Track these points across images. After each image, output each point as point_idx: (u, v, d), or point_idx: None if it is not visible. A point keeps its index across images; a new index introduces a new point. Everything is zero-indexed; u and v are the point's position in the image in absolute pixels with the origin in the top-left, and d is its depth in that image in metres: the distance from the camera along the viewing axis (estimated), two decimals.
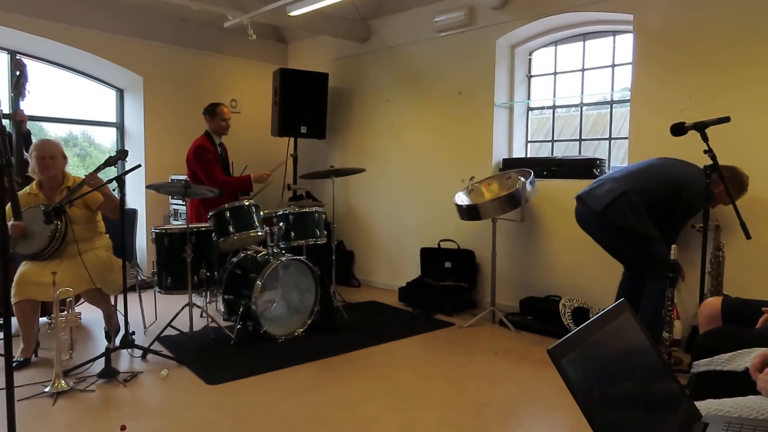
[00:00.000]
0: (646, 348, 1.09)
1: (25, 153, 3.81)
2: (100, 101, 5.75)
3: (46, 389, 2.79)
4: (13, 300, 3.10)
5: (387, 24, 5.37)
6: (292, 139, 5.70)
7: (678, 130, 2.69)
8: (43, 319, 3.66)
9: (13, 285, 3.12)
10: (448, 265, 4.80)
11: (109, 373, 2.99)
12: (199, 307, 3.78)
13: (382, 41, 5.40)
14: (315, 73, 5.61)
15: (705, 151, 2.61)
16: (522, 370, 3.23)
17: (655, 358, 1.07)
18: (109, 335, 3.53)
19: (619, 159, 4.41)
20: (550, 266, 4.34)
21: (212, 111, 4.56)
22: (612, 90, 4.30)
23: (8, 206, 2.56)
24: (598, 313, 3.84)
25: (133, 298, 3.74)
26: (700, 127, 2.62)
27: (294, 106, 5.48)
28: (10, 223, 3.00)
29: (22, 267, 3.21)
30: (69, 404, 2.68)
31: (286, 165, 5.35)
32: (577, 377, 0.85)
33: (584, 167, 4.15)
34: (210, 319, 3.76)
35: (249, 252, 3.92)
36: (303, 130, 5.56)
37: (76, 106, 5.56)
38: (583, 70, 4.46)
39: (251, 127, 6.05)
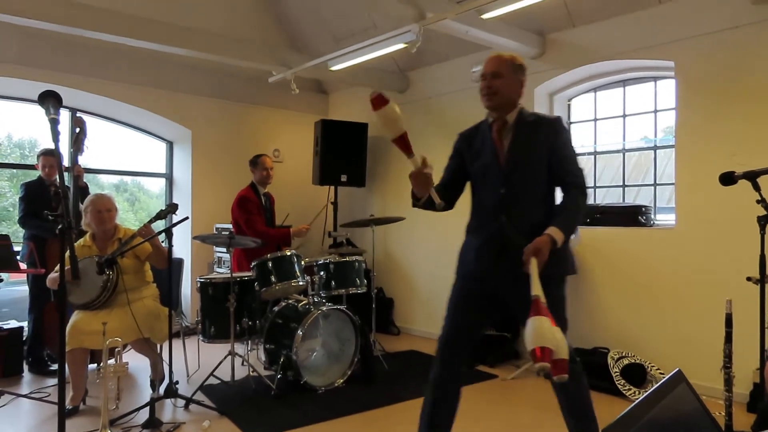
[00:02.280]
0: (705, 423, 1.03)
1: (80, 206, 4.01)
2: (150, 153, 6.04)
3: None
4: (66, 348, 3.20)
5: (425, 75, 5.49)
6: (332, 187, 5.80)
7: (727, 179, 2.62)
8: (91, 367, 3.75)
9: (66, 334, 3.23)
10: None
11: (153, 424, 3.02)
12: (240, 356, 3.80)
13: (420, 91, 5.52)
14: (355, 123, 5.75)
15: (758, 201, 2.52)
16: None
17: None
18: (154, 384, 3.58)
19: (665, 199, 4.30)
20: (596, 317, 4.20)
21: (255, 162, 4.69)
22: (655, 136, 4.24)
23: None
24: (651, 368, 3.68)
25: (177, 345, 3.81)
26: (751, 176, 2.55)
27: (334, 155, 5.60)
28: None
29: (75, 316, 3.32)
30: None
31: (327, 212, 5.44)
32: None
33: (629, 215, 4.06)
34: (251, 369, 3.78)
35: (290, 301, 3.95)
36: (343, 178, 5.66)
37: (128, 157, 5.85)
38: (624, 115, 4.43)
39: (293, 175, 6.21)
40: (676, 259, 3.77)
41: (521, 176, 2.23)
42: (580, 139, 4.76)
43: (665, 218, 4.15)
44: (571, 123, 4.80)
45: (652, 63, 3.99)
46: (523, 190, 2.22)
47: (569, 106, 4.81)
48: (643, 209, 4.05)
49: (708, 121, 3.63)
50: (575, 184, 2.22)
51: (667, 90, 4.13)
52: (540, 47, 4.46)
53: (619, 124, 4.46)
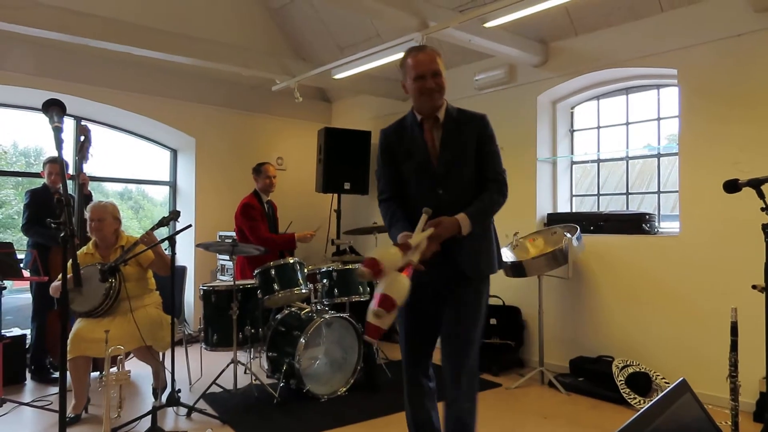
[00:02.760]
0: None
1: (85, 213, 4.02)
2: (154, 161, 6.06)
3: None
4: (67, 356, 3.19)
5: None
6: (335, 195, 5.81)
7: (732, 186, 2.61)
8: (93, 375, 3.74)
9: (69, 342, 3.23)
10: (493, 321, 4.68)
11: None
12: (243, 364, 3.79)
13: None
14: (358, 131, 5.77)
15: (762, 209, 2.50)
16: None
17: None
18: (157, 392, 3.57)
19: (668, 208, 4.28)
20: (600, 325, 4.18)
21: (258, 170, 4.70)
22: (658, 143, 4.23)
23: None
24: (656, 377, 3.65)
25: (179, 352, 3.80)
26: (756, 183, 2.53)
27: (337, 163, 5.61)
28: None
29: (77, 324, 3.32)
30: None
31: (330, 220, 5.43)
32: None
33: (633, 222, 4.04)
34: (254, 377, 3.77)
35: (293, 309, 3.94)
36: (346, 186, 5.66)
37: (132, 165, 5.87)
38: (627, 123, 4.42)
39: (296, 183, 6.22)
40: (680, 267, 3.75)
41: (456, 175, 2.19)
42: (584, 147, 4.76)
43: (670, 226, 4.14)
44: (574, 131, 4.80)
45: (655, 71, 3.99)
46: (458, 189, 2.19)
47: (572, 114, 4.81)
48: (647, 217, 4.04)
49: (711, 129, 3.62)
50: (496, 180, 2.20)
51: (670, 98, 4.13)
52: (543, 55, 4.47)
53: (623, 132, 4.46)
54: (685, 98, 3.75)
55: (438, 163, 2.20)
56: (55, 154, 4.24)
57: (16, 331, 4.13)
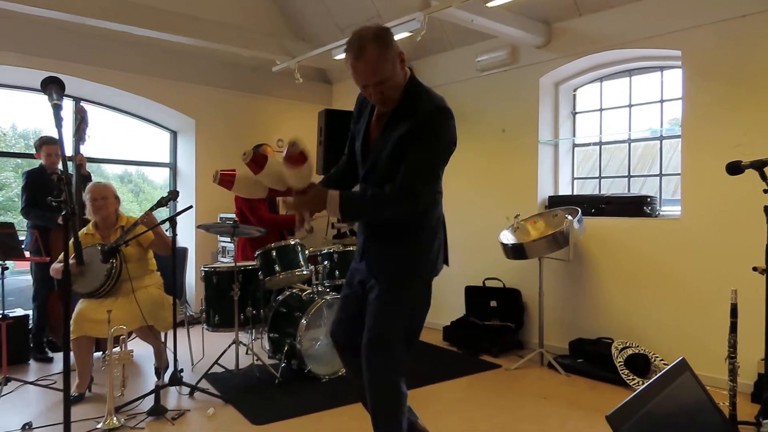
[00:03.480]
0: (709, 412, 1.03)
1: (84, 195, 4.01)
2: (154, 142, 6.03)
3: (99, 425, 2.86)
4: (71, 336, 3.22)
5: (429, 64, 5.46)
6: None
7: (734, 168, 2.60)
8: (96, 354, 3.77)
9: (72, 322, 3.25)
10: (493, 304, 4.71)
11: (158, 411, 3.04)
12: (244, 344, 3.82)
13: (425, 81, 5.41)
14: None
15: (765, 191, 2.50)
16: (573, 417, 3.11)
17: (719, 422, 1.01)
18: (159, 371, 3.60)
19: (669, 192, 4.28)
20: (600, 307, 4.19)
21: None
22: (661, 126, 4.21)
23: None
24: (655, 358, 3.68)
25: (181, 333, 3.82)
26: (759, 165, 2.53)
27: (338, 146, 5.55)
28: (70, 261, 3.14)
29: (80, 305, 3.34)
30: None
31: None
32: None
33: (634, 205, 4.04)
34: (255, 357, 3.80)
35: (294, 290, 3.96)
36: None
37: (132, 147, 5.85)
38: (630, 105, 4.39)
39: None
40: (681, 249, 3.75)
41: (378, 173, 2.01)
42: (586, 130, 4.73)
43: (671, 210, 4.13)
44: (576, 113, 4.77)
45: (658, 52, 3.95)
46: (379, 188, 1.96)
47: (575, 96, 4.77)
48: (648, 199, 4.03)
49: (715, 111, 3.59)
50: (401, 185, 1.89)
51: (673, 80, 4.09)
52: (546, 36, 4.42)
53: (625, 115, 4.43)
54: (689, 80, 3.72)
55: (368, 157, 2.05)
56: (50, 134, 4.24)
57: (19, 312, 4.16)
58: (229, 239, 3.87)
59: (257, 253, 3.85)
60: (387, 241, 2.07)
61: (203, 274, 3.83)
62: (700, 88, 3.66)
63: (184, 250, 4.31)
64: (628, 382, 3.56)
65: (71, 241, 1.86)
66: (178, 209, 3.38)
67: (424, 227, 2.08)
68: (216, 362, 3.67)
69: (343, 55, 4.94)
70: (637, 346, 3.80)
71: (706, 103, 3.64)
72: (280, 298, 3.97)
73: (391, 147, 1.96)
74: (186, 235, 5.61)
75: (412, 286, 2.07)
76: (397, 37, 4.19)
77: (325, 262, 4.04)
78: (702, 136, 3.65)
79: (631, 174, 4.46)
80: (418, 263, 2.07)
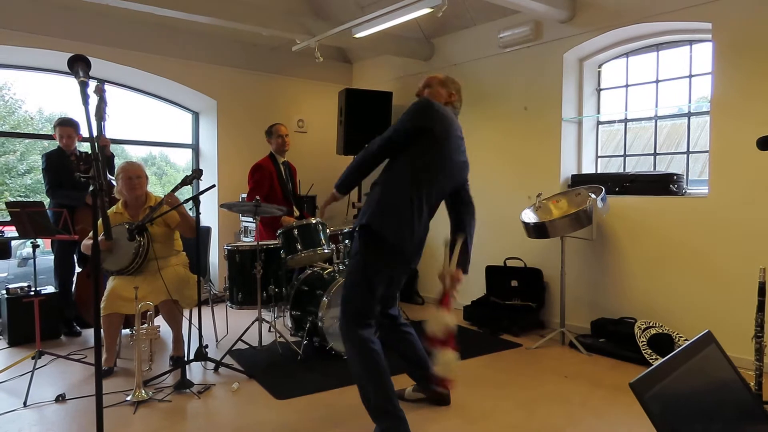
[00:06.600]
0: (735, 384, 1.02)
1: (109, 175, 4.07)
2: (176, 124, 6.10)
3: (128, 398, 2.95)
4: (102, 313, 3.31)
5: (451, 41, 5.39)
6: None
7: (765, 143, 2.52)
8: (125, 332, 3.87)
9: (104, 299, 3.34)
10: (514, 283, 4.70)
11: (185, 385, 3.12)
12: (267, 322, 3.88)
13: (446, 59, 5.42)
14: (379, 92, 5.70)
15: None
16: (595, 395, 3.10)
17: (746, 396, 1.00)
18: (176, 360, 3.57)
19: (696, 172, 4.19)
20: (623, 287, 4.15)
21: (270, 131, 4.62)
22: (689, 101, 4.10)
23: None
24: (679, 338, 3.64)
25: (206, 312, 3.90)
26: None
27: (358, 125, 5.57)
28: (99, 238, 3.21)
29: (111, 282, 3.42)
30: (148, 413, 2.82)
31: None
32: (662, 414, 0.81)
33: (660, 183, 3.96)
34: (278, 335, 3.86)
35: (316, 269, 4.00)
36: None
37: (154, 128, 5.92)
38: (657, 81, 4.28)
39: (317, 145, 6.21)
40: (708, 228, 3.68)
41: None
42: (611, 107, 4.64)
43: (697, 189, 4.04)
44: (601, 89, 4.67)
45: (688, 25, 3.83)
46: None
47: (599, 72, 4.67)
48: (675, 177, 3.95)
49: (746, 86, 3.49)
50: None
51: (702, 55, 3.97)
52: (570, 10, 4.32)
53: (652, 91, 4.32)
54: (720, 53, 3.61)
55: None
56: (66, 115, 4.30)
57: (50, 289, 4.28)
58: (251, 219, 3.90)
59: (279, 231, 3.88)
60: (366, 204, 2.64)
61: (226, 252, 3.89)
62: (731, 62, 3.55)
63: (208, 229, 4.37)
64: (651, 361, 3.53)
65: (100, 217, 1.89)
66: (201, 188, 3.42)
67: (391, 194, 2.59)
68: (240, 339, 3.74)
69: (363, 33, 4.91)
70: (661, 326, 3.77)
71: (737, 78, 3.53)
72: (301, 276, 4.01)
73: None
74: (209, 215, 5.68)
75: (361, 235, 2.59)
76: (417, 14, 4.19)
77: (346, 241, 4.06)
78: (732, 112, 3.55)
79: (658, 152, 4.36)
80: (372, 216, 2.55)
